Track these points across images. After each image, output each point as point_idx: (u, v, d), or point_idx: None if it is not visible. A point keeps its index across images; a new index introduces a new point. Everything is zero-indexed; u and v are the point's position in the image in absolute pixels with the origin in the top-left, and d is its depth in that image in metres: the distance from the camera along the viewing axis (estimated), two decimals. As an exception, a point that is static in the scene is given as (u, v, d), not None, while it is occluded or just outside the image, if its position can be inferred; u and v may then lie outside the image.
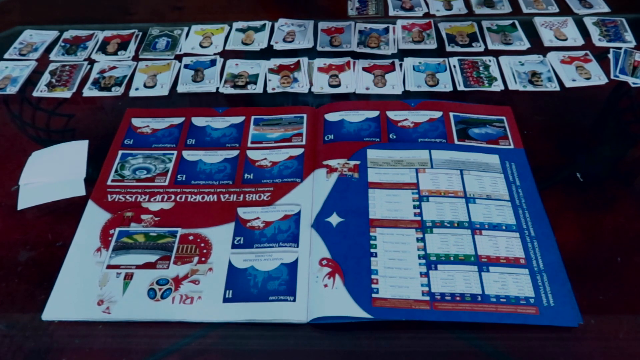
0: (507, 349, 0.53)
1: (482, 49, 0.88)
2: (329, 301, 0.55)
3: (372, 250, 0.60)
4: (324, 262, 0.59)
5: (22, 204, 0.67)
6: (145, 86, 0.83)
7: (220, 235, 0.62)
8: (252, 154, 0.71)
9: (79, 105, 0.81)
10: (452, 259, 0.59)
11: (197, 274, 0.59)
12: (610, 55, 0.85)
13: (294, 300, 0.56)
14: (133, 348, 0.54)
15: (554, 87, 0.81)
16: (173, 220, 0.64)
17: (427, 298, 0.56)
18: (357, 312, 0.55)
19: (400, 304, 0.55)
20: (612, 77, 0.82)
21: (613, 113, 0.79)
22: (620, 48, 0.87)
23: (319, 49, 0.90)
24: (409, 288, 0.56)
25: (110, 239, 0.62)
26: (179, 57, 0.89)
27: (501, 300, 0.55)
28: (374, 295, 0.56)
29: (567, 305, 0.55)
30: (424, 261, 0.59)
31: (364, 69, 0.85)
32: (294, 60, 0.87)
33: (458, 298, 0.56)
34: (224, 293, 0.57)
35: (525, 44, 0.89)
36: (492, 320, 0.54)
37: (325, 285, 0.57)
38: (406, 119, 0.74)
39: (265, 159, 0.70)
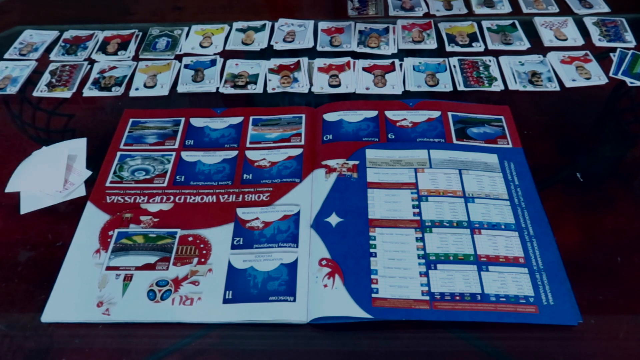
0: (507, 348, 0.53)
1: (482, 49, 0.88)
2: (328, 301, 0.56)
3: (371, 250, 0.60)
4: (324, 262, 0.59)
5: (24, 209, 0.67)
6: (145, 86, 0.83)
7: (219, 236, 0.62)
8: (251, 155, 0.71)
9: (79, 105, 0.82)
10: (451, 258, 0.59)
11: (196, 275, 0.59)
12: (615, 55, 0.85)
13: (294, 300, 0.56)
14: (133, 348, 0.54)
15: (554, 87, 0.81)
16: (172, 221, 0.64)
17: (427, 298, 0.56)
18: (357, 312, 0.55)
19: (400, 303, 0.55)
20: (610, 74, 0.82)
21: (613, 113, 0.79)
22: (627, 49, 0.86)
23: (319, 49, 0.90)
24: (408, 288, 0.56)
25: (109, 240, 0.62)
26: (179, 57, 0.89)
27: (501, 299, 0.55)
28: (373, 295, 0.56)
29: (567, 304, 0.55)
30: (423, 261, 0.59)
31: (364, 69, 0.85)
32: (294, 60, 0.87)
33: (458, 297, 0.56)
34: (224, 294, 0.57)
35: (525, 44, 0.89)
36: (492, 319, 0.54)
37: (325, 286, 0.57)
38: (405, 119, 0.74)
39: (264, 159, 0.70)
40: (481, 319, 0.54)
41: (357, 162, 0.68)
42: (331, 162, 0.68)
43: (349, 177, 0.67)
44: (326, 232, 0.61)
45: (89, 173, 0.70)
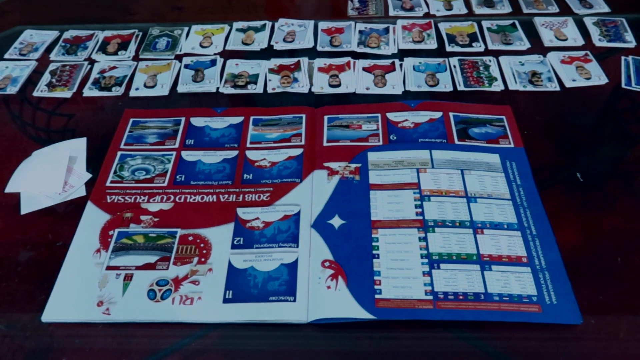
0: (507, 349, 0.53)
1: (482, 49, 0.88)
2: (332, 303, 0.56)
3: (374, 251, 0.60)
4: (327, 264, 0.59)
5: (24, 209, 0.66)
6: (145, 86, 0.84)
7: (219, 236, 0.62)
8: (251, 155, 0.71)
9: (79, 105, 0.82)
10: (454, 258, 0.59)
11: (196, 275, 0.59)
12: (628, 63, 0.84)
13: (294, 300, 0.56)
14: (133, 348, 0.54)
15: (554, 87, 0.81)
16: (172, 221, 0.64)
17: (430, 297, 0.56)
18: (360, 313, 0.55)
19: (404, 304, 0.55)
20: (623, 85, 0.81)
21: (613, 113, 0.79)
22: (627, 49, 0.86)
23: (319, 49, 0.90)
24: (412, 288, 0.57)
25: (109, 240, 0.62)
26: (179, 57, 0.89)
27: (504, 298, 0.55)
28: (377, 296, 0.56)
29: (570, 303, 0.55)
30: (426, 260, 0.59)
31: (364, 69, 0.85)
32: (294, 60, 0.87)
33: (461, 297, 0.56)
34: (224, 293, 0.57)
35: (525, 44, 0.89)
36: (496, 318, 0.54)
37: (329, 287, 0.57)
38: (406, 120, 0.74)
39: (264, 159, 0.70)
40: (485, 318, 0.54)
41: (359, 165, 0.68)
42: (333, 165, 0.68)
43: (351, 180, 0.67)
44: (329, 234, 0.61)
45: (89, 176, 0.70)
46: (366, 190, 0.66)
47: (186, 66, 0.87)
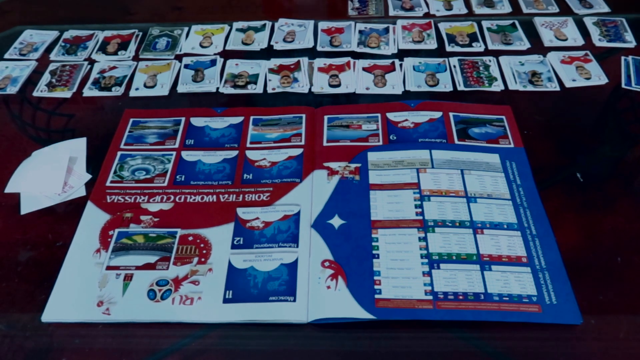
0: (507, 349, 0.53)
1: (482, 49, 0.88)
2: (332, 303, 0.56)
3: (374, 251, 0.60)
4: (326, 263, 0.59)
5: (24, 209, 0.66)
6: (145, 86, 0.84)
7: (219, 236, 0.62)
8: (251, 154, 0.71)
9: (79, 105, 0.82)
10: (454, 258, 0.59)
11: (196, 275, 0.59)
12: (628, 63, 0.84)
13: (294, 300, 0.56)
14: (133, 348, 0.54)
15: (554, 87, 0.81)
16: (172, 221, 0.64)
17: (430, 297, 0.56)
18: (360, 313, 0.55)
19: (404, 304, 0.55)
20: (623, 85, 0.81)
21: (613, 113, 0.79)
22: (627, 49, 0.86)
23: (319, 49, 0.90)
24: (412, 288, 0.57)
25: (109, 240, 0.62)
26: (179, 57, 0.89)
27: (504, 298, 0.55)
28: (377, 296, 0.56)
29: (570, 303, 0.55)
30: (426, 260, 0.59)
31: (364, 69, 0.85)
32: (294, 60, 0.87)
33: (461, 297, 0.56)
34: (224, 293, 0.57)
35: (525, 44, 0.89)
36: (496, 318, 0.54)
37: (328, 287, 0.57)
38: (406, 120, 0.74)
39: (264, 159, 0.70)
40: (484, 318, 0.54)
41: (359, 165, 0.68)
42: (333, 165, 0.68)
43: (351, 180, 0.67)
44: (329, 234, 0.61)
45: (88, 176, 0.70)
46: (366, 190, 0.66)
47: (186, 66, 0.87)
